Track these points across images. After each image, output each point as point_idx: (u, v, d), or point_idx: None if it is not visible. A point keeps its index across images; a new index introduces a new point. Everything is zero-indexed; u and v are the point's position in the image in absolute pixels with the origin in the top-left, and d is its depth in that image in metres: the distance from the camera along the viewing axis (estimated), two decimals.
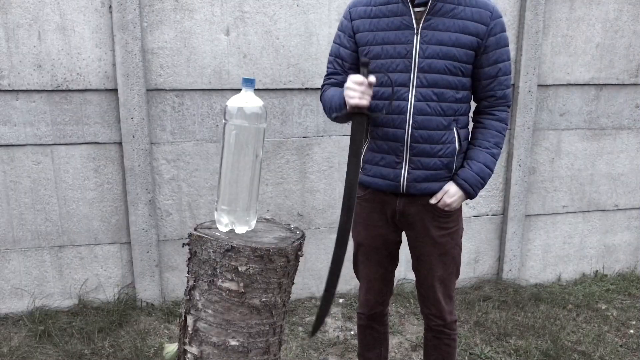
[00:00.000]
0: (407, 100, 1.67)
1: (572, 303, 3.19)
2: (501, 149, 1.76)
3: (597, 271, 3.62)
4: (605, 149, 3.42)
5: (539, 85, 3.20)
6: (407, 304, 3.14)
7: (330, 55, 1.83)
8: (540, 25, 3.10)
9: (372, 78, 1.56)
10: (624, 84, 3.34)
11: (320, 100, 1.86)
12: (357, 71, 1.76)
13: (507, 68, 1.71)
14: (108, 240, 2.93)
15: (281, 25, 2.85)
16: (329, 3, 2.87)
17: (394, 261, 1.94)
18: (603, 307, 3.17)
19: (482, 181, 1.73)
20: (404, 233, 1.89)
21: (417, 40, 1.64)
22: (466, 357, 2.62)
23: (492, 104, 1.74)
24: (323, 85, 1.87)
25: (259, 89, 2.87)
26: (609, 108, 3.36)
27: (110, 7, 2.66)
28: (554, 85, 3.25)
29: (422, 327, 2.88)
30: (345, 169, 2.82)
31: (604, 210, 3.52)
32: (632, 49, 3.30)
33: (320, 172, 3.07)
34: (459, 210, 1.82)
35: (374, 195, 1.81)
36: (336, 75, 1.82)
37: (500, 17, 1.66)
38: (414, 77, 1.65)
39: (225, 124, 1.39)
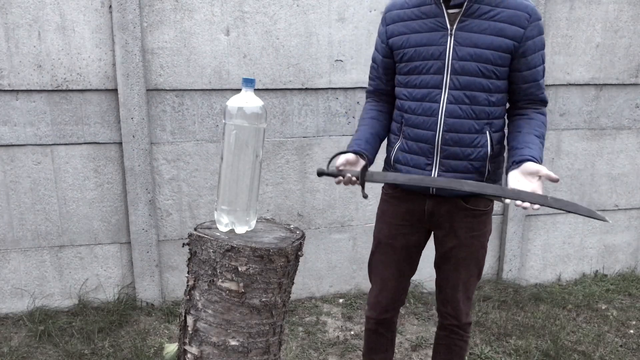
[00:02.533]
0: (439, 103, 1.65)
1: (572, 303, 3.19)
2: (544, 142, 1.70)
3: (597, 271, 3.62)
4: (605, 149, 3.42)
5: None
6: (407, 304, 3.14)
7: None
8: None
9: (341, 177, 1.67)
10: (624, 84, 3.34)
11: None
12: (390, 77, 1.80)
13: (544, 70, 1.68)
14: (108, 240, 2.93)
15: (281, 25, 2.85)
16: (329, 3, 2.87)
17: (412, 267, 1.90)
18: (603, 307, 3.17)
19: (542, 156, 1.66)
20: (424, 238, 1.87)
21: (450, 42, 1.62)
22: (466, 357, 2.62)
23: (534, 105, 1.71)
24: (366, 91, 1.92)
25: (259, 89, 2.87)
26: (609, 108, 3.36)
27: (110, 7, 2.66)
28: (553, 85, 3.25)
29: (422, 327, 2.88)
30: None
31: (604, 210, 3.52)
32: (632, 49, 3.30)
33: None
34: (489, 212, 1.79)
35: (403, 194, 1.80)
36: (372, 80, 1.87)
37: (539, 19, 1.62)
38: (446, 79, 1.64)
39: (225, 124, 1.39)
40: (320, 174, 1.70)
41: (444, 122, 1.66)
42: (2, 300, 2.88)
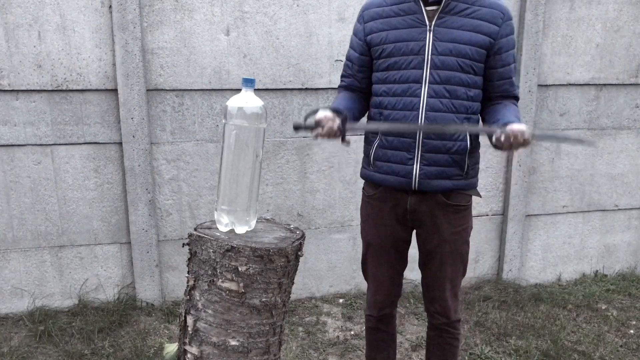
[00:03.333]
0: (420, 97, 1.68)
1: (572, 303, 3.19)
2: None
3: (597, 271, 3.62)
4: (605, 149, 3.42)
5: (539, 85, 3.20)
6: (407, 304, 3.14)
7: (346, 57, 1.88)
8: (540, 25, 3.10)
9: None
10: (624, 84, 3.34)
11: None
12: (365, 75, 1.81)
13: (515, 68, 1.76)
14: (108, 240, 2.93)
15: (281, 25, 2.85)
16: (329, 3, 2.87)
17: (403, 262, 1.93)
18: (603, 307, 3.17)
19: None
20: (413, 232, 1.89)
21: (429, 38, 1.67)
22: (466, 357, 2.62)
23: (507, 100, 1.77)
24: (339, 86, 1.93)
25: (259, 89, 2.87)
26: (609, 108, 3.36)
27: (110, 7, 2.66)
28: (554, 85, 3.25)
29: (422, 327, 2.88)
30: (344, 169, 2.82)
31: (604, 210, 3.52)
32: (632, 49, 3.30)
33: (320, 172, 3.07)
34: (469, 207, 1.82)
35: (385, 194, 1.81)
36: (345, 77, 1.87)
37: (511, 19, 1.69)
38: (426, 73, 1.67)
39: (225, 124, 1.39)
40: (297, 127, 1.65)
41: (425, 116, 1.68)
42: (2, 300, 2.88)
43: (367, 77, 1.82)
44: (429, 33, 1.66)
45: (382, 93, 1.75)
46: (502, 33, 1.67)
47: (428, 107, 1.67)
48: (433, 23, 1.66)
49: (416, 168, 1.71)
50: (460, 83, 1.67)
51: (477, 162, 1.82)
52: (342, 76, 1.89)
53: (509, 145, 1.55)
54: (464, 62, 1.65)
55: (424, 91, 1.68)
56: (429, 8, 1.67)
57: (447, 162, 1.71)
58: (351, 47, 1.82)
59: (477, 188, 1.84)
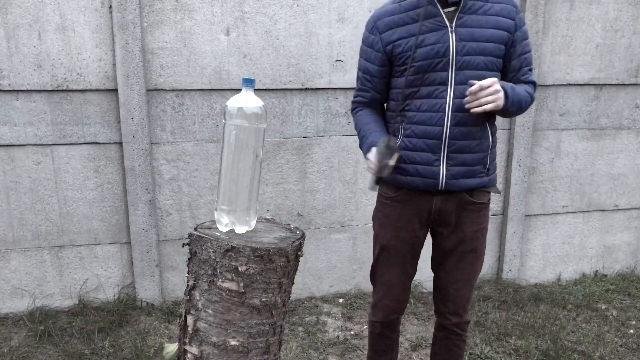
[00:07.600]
0: (446, 99, 1.68)
1: (572, 303, 3.19)
2: (527, 102, 1.74)
3: (597, 271, 3.62)
4: (605, 149, 3.42)
5: (538, 85, 3.20)
6: (407, 304, 3.13)
7: (358, 70, 1.83)
8: (540, 25, 3.10)
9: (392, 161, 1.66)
10: (624, 84, 3.34)
11: (353, 119, 1.91)
12: (385, 85, 1.79)
13: (531, 58, 1.78)
14: (108, 240, 2.93)
15: (281, 25, 2.85)
16: (329, 3, 2.87)
17: (415, 267, 1.91)
18: (603, 307, 3.17)
19: (513, 95, 1.67)
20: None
21: (452, 39, 1.66)
22: (466, 357, 2.62)
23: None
24: (353, 102, 1.89)
25: (259, 89, 2.87)
26: (609, 108, 3.36)
27: (111, 7, 2.66)
28: (554, 85, 3.25)
29: (422, 327, 2.88)
30: (344, 169, 2.84)
31: (603, 210, 3.52)
32: (632, 49, 3.30)
33: (320, 172, 3.07)
34: (488, 205, 1.84)
35: (408, 196, 1.79)
36: (364, 92, 1.82)
37: (521, 11, 1.75)
38: (452, 75, 1.67)
39: (225, 124, 1.39)
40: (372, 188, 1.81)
41: (452, 117, 1.69)
42: (2, 300, 2.88)
43: (387, 86, 1.80)
44: (452, 34, 1.66)
45: (406, 97, 1.72)
46: (517, 26, 1.70)
47: (455, 108, 1.68)
48: (454, 24, 1.66)
49: (442, 168, 1.72)
50: None
51: (495, 158, 1.84)
52: (359, 91, 1.84)
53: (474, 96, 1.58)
54: (489, 59, 1.68)
55: (450, 92, 1.68)
56: (447, 10, 1.67)
57: (472, 161, 1.73)
58: (367, 60, 1.77)
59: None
